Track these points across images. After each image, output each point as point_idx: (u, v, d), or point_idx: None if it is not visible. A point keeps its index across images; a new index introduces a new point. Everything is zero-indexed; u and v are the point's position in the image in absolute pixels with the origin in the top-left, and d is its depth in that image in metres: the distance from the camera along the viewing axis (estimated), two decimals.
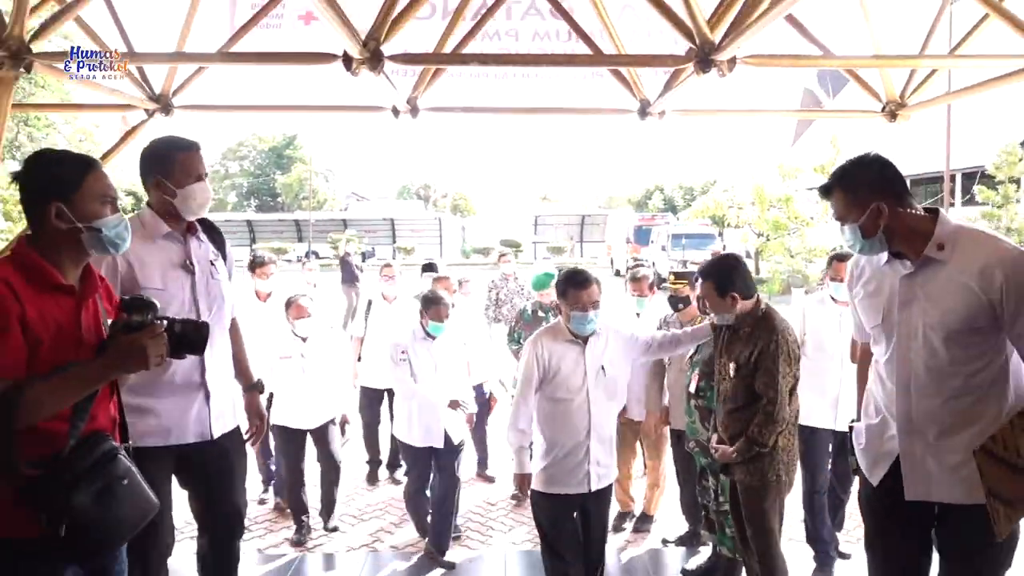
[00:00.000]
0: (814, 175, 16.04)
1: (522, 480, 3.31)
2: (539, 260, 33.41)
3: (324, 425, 4.55)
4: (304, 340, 4.51)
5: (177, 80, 4.63)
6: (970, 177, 21.32)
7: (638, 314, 4.80)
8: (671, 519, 4.65)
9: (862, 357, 2.57)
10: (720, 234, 26.19)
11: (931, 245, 2.11)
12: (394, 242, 39.33)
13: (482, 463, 5.73)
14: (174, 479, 2.71)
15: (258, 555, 4.35)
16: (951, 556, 2.21)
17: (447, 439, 4.21)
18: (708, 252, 18.50)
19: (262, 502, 5.12)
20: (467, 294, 7.22)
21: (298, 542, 4.47)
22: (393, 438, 5.04)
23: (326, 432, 4.57)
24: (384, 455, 5.74)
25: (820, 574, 3.84)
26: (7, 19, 3.59)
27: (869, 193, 2.16)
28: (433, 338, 4.30)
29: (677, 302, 4.38)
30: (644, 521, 4.69)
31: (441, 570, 4.11)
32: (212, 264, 2.73)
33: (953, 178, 20.33)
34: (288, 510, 4.77)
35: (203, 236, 2.75)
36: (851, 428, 2.48)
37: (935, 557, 2.29)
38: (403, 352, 4.26)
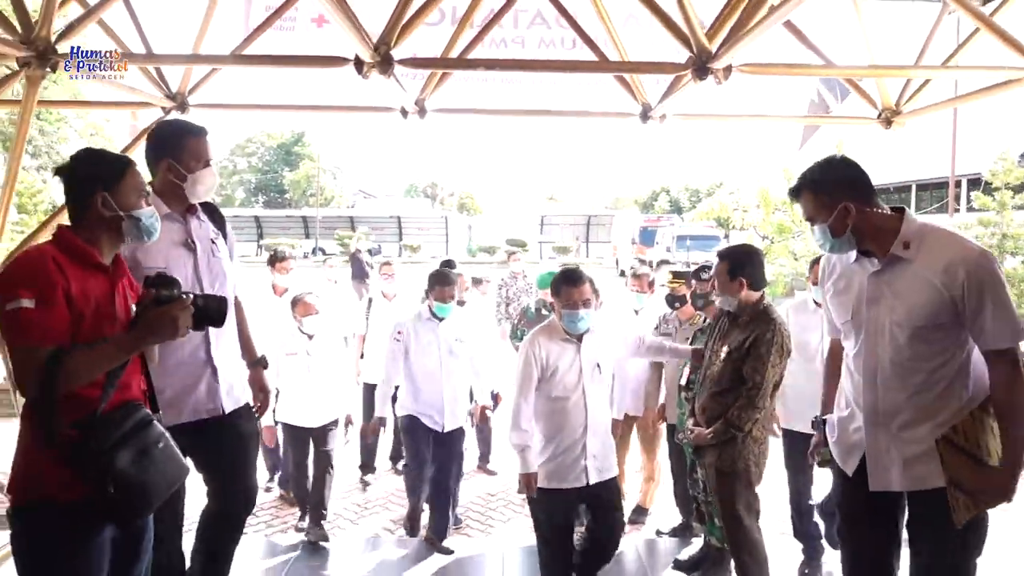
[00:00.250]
0: None
1: (528, 480, 3.27)
2: (545, 260, 33.47)
3: (325, 426, 4.49)
4: (310, 338, 4.51)
5: (193, 79, 4.74)
6: (976, 183, 21.32)
7: (637, 311, 4.93)
8: (665, 511, 4.78)
9: (832, 352, 2.66)
10: (725, 236, 26.24)
11: (897, 243, 2.19)
12: (400, 240, 39.43)
13: (484, 457, 5.84)
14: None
15: (264, 541, 4.49)
16: (919, 541, 2.26)
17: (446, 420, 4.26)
18: (712, 254, 18.51)
19: (267, 490, 5.25)
20: (484, 293, 7.18)
21: (302, 529, 4.55)
22: (395, 429, 5.15)
23: (326, 435, 4.50)
24: (384, 455, 5.81)
25: (809, 564, 3.95)
26: (34, 20, 3.73)
27: (837, 194, 2.24)
28: (440, 319, 4.34)
29: (674, 300, 4.51)
30: (639, 513, 4.82)
31: (440, 556, 4.21)
32: (213, 243, 2.76)
33: (959, 184, 20.35)
34: (292, 500, 4.87)
35: (203, 216, 2.79)
36: (815, 422, 2.58)
37: (905, 553, 2.35)
38: (399, 332, 4.32)
